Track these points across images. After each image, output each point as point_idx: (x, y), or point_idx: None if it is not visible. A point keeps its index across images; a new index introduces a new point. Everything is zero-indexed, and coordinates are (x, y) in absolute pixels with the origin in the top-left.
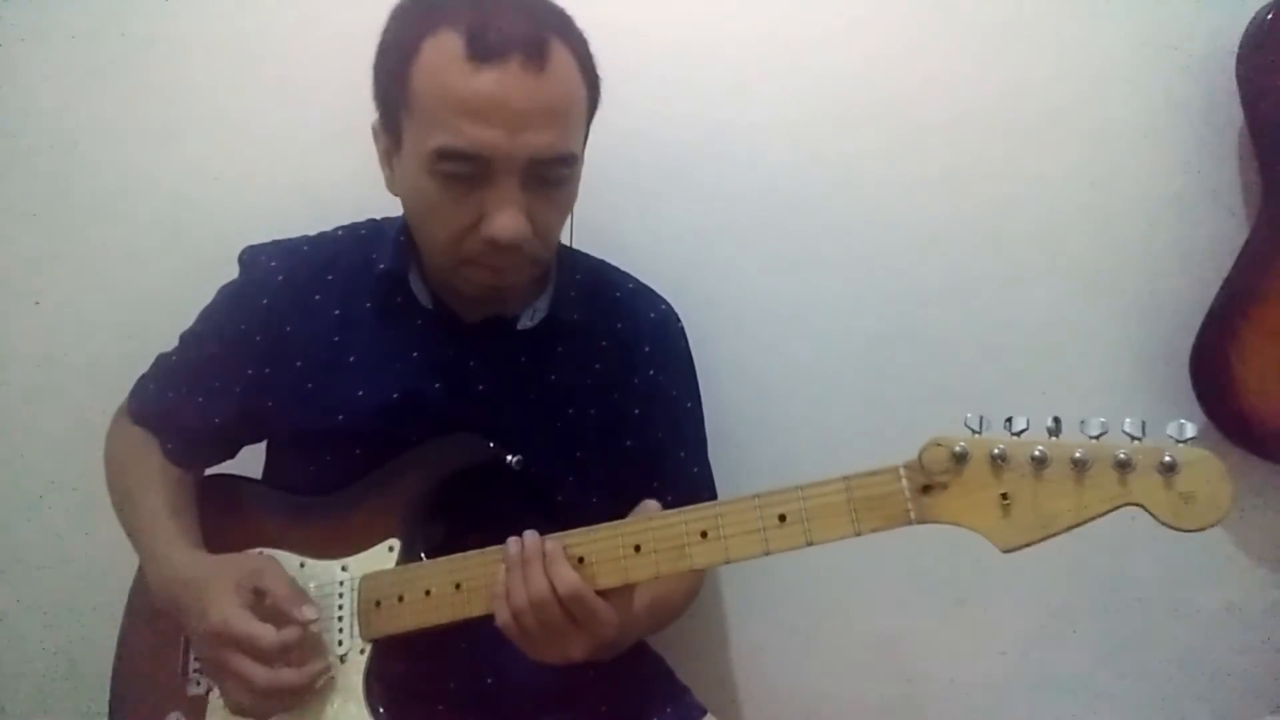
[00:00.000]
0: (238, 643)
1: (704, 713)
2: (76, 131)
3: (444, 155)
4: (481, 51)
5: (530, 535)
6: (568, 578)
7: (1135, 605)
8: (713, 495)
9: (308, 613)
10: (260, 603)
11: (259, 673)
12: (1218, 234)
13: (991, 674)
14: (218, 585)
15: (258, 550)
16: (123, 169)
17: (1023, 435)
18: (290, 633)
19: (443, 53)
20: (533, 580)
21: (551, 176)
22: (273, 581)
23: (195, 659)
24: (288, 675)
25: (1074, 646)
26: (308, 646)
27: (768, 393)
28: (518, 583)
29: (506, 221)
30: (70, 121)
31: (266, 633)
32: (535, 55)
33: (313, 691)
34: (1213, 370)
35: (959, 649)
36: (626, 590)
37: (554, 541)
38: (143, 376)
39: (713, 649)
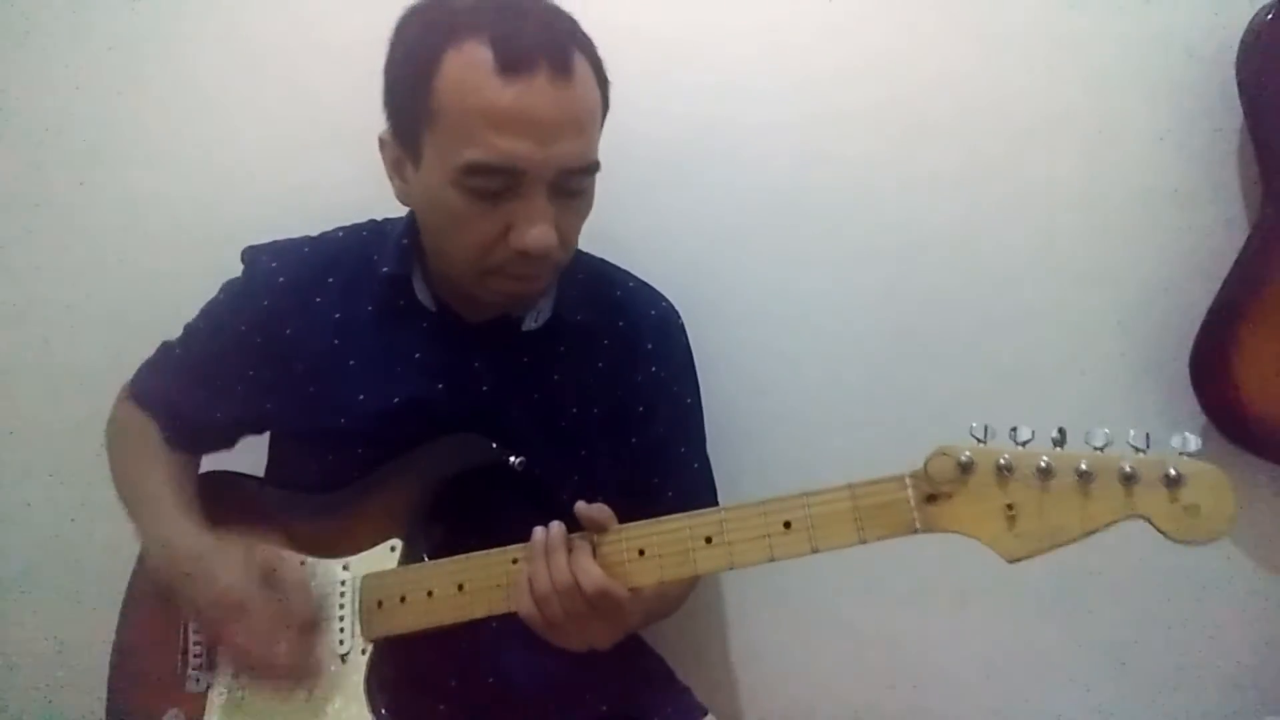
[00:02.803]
0: (242, 610)
1: (704, 713)
2: (79, 131)
3: (474, 170)
4: (510, 64)
5: (556, 525)
6: (593, 572)
7: (1135, 605)
8: (713, 492)
9: (310, 595)
10: (268, 581)
11: (256, 645)
12: (1218, 234)
13: (991, 674)
14: (231, 554)
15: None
16: (124, 168)
17: (1028, 445)
18: (290, 605)
19: (468, 66)
20: (557, 570)
21: (576, 186)
22: (284, 567)
23: (189, 641)
24: (283, 654)
25: (1074, 646)
26: (313, 636)
27: (767, 391)
28: (541, 571)
29: (539, 234)
30: (73, 121)
31: (270, 602)
32: (561, 66)
33: (315, 681)
34: (1213, 370)
35: (959, 649)
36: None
37: (580, 535)
38: (146, 361)
39: (713, 649)
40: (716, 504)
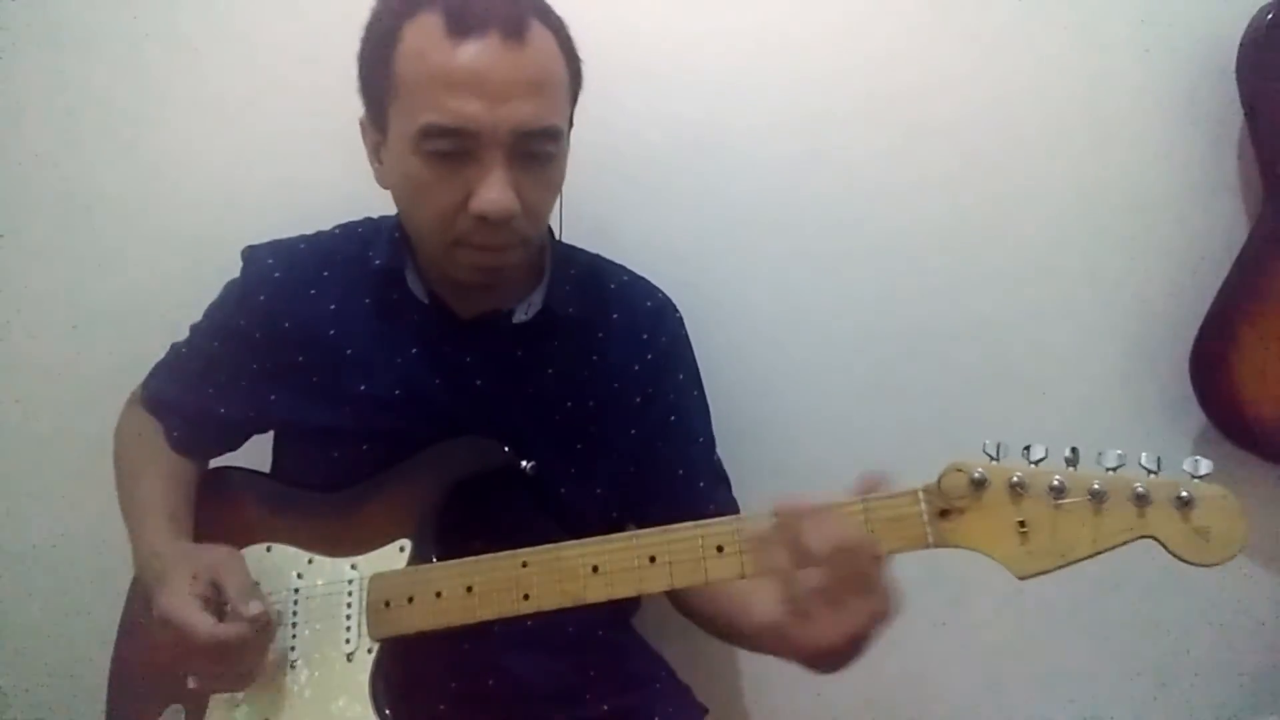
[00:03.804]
0: (177, 630)
1: (704, 712)
2: (76, 131)
3: (429, 133)
4: (460, 27)
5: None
6: (862, 535)
7: (1136, 605)
8: (725, 481)
9: (253, 608)
10: (218, 597)
11: (193, 664)
12: (1218, 234)
13: (991, 674)
14: (176, 572)
15: (243, 546)
16: (122, 168)
17: (1041, 464)
18: (229, 629)
19: (423, 34)
20: (818, 532)
21: (537, 151)
22: (228, 577)
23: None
24: (225, 673)
25: (1074, 647)
26: (257, 646)
27: (767, 392)
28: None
29: (493, 195)
30: (69, 121)
31: (203, 623)
32: (513, 29)
33: (273, 689)
34: (1213, 370)
35: (958, 649)
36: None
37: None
38: (158, 363)
39: (713, 649)
40: (730, 494)
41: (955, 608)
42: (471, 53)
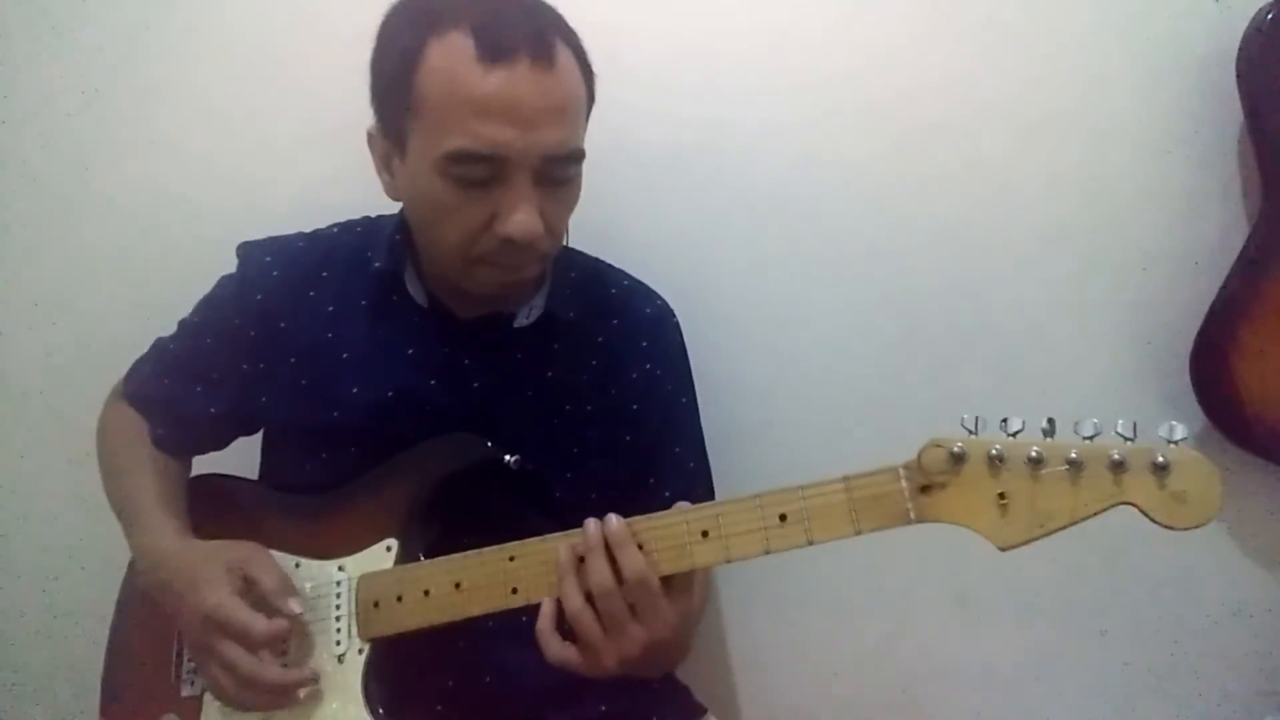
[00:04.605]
0: (228, 629)
1: (704, 712)
2: (75, 128)
3: (458, 158)
4: (492, 52)
5: (595, 521)
6: (636, 561)
7: (1136, 605)
8: (709, 490)
9: (294, 606)
10: (250, 591)
11: (245, 661)
12: (1218, 234)
13: (991, 674)
14: (209, 569)
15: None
16: (120, 166)
17: (1018, 436)
18: (280, 624)
19: (451, 54)
20: (595, 568)
21: (561, 174)
22: (260, 571)
23: (183, 645)
24: (272, 671)
25: (1074, 647)
26: (298, 645)
27: (766, 393)
28: (586, 569)
29: (523, 219)
30: (68, 118)
31: (257, 622)
32: (543, 54)
33: (296, 698)
34: (1213, 370)
35: (959, 649)
36: (683, 588)
37: (620, 525)
38: (140, 359)
39: (713, 649)
40: (712, 498)
41: (954, 608)
42: (503, 79)
